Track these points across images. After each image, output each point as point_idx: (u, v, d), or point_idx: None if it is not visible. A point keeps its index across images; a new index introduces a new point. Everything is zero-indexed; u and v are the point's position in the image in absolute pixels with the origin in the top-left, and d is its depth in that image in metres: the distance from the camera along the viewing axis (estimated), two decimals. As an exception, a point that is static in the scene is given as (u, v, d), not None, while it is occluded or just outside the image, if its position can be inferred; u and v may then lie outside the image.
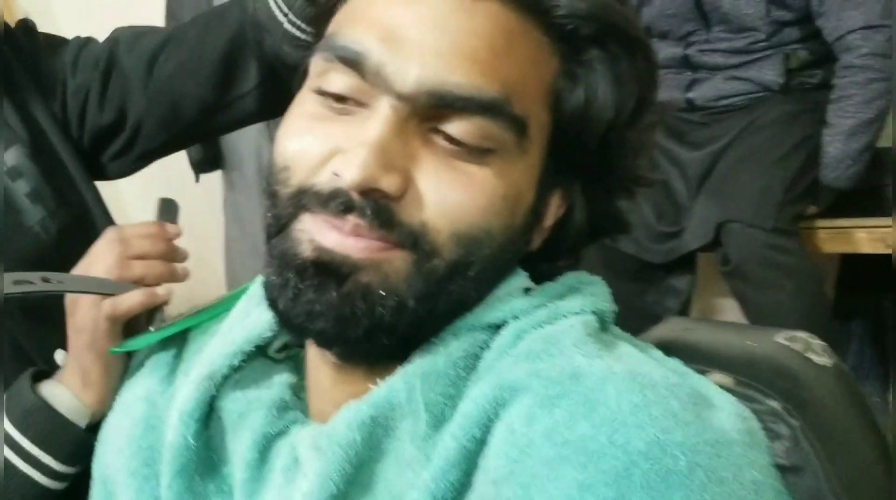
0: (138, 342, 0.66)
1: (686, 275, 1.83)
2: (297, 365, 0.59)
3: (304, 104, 0.52)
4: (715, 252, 1.71)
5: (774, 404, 0.53)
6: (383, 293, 0.48)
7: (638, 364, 0.48)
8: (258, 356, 0.58)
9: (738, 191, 1.66)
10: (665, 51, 1.90)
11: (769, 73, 1.78)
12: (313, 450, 0.50)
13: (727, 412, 0.46)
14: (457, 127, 0.48)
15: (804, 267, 1.62)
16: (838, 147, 1.67)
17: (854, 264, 1.92)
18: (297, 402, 0.57)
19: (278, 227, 0.51)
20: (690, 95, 1.85)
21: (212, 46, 0.94)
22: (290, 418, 0.55)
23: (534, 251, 0.55)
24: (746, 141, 1.73)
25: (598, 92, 0.52)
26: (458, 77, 0.47)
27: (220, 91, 0.95)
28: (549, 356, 0.48)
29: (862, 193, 1.71)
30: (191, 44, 0.95)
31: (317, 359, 0.55)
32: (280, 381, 0.57)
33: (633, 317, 1.81)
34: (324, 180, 0.49)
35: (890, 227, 1.63)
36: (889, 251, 1.65)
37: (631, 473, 0.41)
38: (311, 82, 0.52)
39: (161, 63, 0.95)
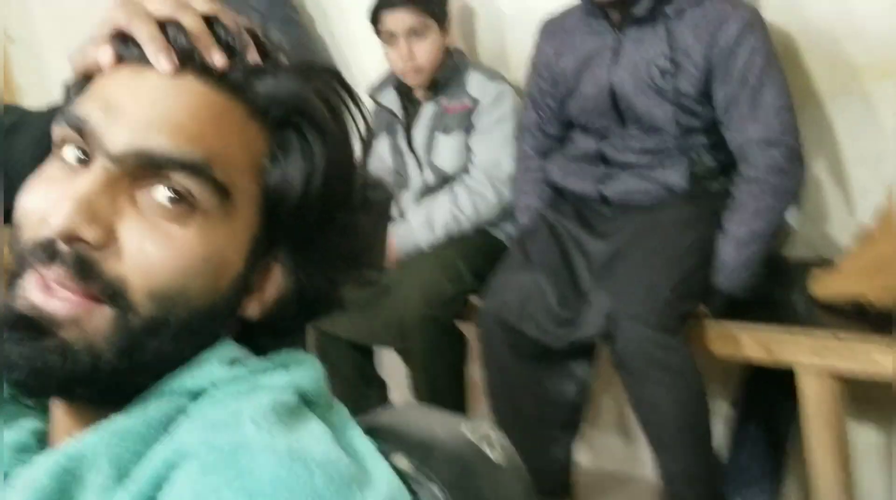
0: None
1: (585, 362, 1.84)
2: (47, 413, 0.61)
3: (46, 169, 0.57)
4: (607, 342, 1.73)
5: (435, 488, 0.57)
6: (81, 349, 0.52)
7: (307, 442, 0.51)
8: (11, 402, 0.61)
9: (629, 286, 1.68)
10: (583, 143, 1.96)
11: (674, 176, 1.83)
12: (19, 489, 0.53)
13: (378, 492, 0.49)
14: (162, 188, 0.54)
15: (685, 366, 1.64)
16: (730, 253, 1.71)
17: (754, 367, 1.95)
18: (40, 445, 0.59)
19: (8, 283, 0.55)
20: (602, 188, 1.91)
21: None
22: (27, 459, 0.57)
23: (257, 323, 0.60)
24: (644, 239, 1.77)
25: (292, 171, 0.58)
26: (162, 140, 0.54)
27: None
28: (225, 427, 0.51)
29: (752, 300, 1.74)
30: (32, 133, 1.02)
31: (54, 401, 0.58)
32: (25, 426, 0.60)
33: (530, 401, 1.84)
34: (42, 234, 0.53)
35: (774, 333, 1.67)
36: (772, 358, 1.68)
37: None
38: (53, 149, 0.58)
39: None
